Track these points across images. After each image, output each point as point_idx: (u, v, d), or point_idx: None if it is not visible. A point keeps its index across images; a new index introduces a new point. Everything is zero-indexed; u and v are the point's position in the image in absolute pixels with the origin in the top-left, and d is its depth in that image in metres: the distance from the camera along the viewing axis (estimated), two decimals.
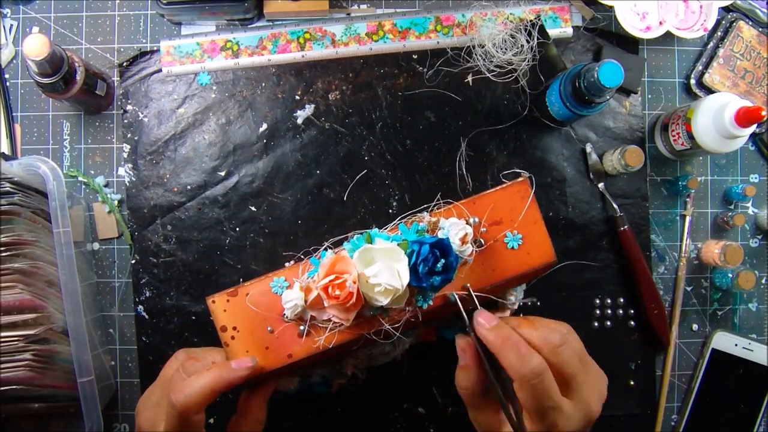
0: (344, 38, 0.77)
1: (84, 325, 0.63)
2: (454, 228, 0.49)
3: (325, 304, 0.48)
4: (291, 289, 0.49)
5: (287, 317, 0.49)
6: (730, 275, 0.75)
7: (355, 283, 0.47)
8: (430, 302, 0.49)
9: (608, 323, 0.76)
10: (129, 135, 0.76)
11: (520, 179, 0.53)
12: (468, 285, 0.50)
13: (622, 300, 0.77)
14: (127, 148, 0.76)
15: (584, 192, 0.77)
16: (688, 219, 0.78)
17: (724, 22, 0.78)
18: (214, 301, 0.50)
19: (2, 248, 0.61)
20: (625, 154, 0.72)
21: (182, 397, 0.45)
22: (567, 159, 0.77)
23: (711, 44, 0.79)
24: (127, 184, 0.75)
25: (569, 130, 0.78)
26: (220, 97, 0.76)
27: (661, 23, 0.76)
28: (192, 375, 0.48)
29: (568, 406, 0.46)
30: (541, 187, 0.77)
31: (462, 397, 0.50)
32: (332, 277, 0.47)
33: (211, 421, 0.74)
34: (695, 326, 0.78)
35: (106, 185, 0.75)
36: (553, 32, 0.77)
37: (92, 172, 0.76)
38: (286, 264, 0.53)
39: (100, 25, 0.76)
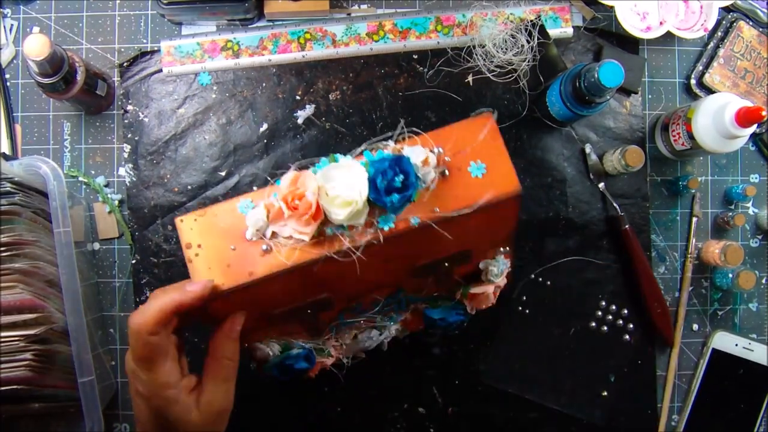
0: (345, 38, 0.77)
1: (84, 325, 0.63)
2: (416, 152, 0.50)
3: (285, 216, 0.48)
4: (256, 208, 0.50)
5: (251, 236, 0.50)
6: (731, 275, 0.75)
7: (314, 194, 0.48)
8: (392, 225, 0.49)
9: (608, 323, 0.76)
10: (129, 135, 0.76)
11: (484, 112, 0.54)
12: (437, 208, 0.50)
13: (622, 300, 0.77)
14: (127, 148, 0.76)
15: (584, 192, 0.77)
16: (695, 220, 0.78)
17: (724, 22, 0.78)
18: (182, 221, 0.51)
19: (3, 248, 0.61)
20: (626, 154, 0.72)
21: (136, 317, 0.48)
22: (567, 159, 0.77)
23: (711, 44, 0.79)
24: (128, 184, 0.75)
25: (570, 130, 0.78)
26: (220, 97, 0.76)
27: (661, 23, 0.76)
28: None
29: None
30: (541, 187, 0.77)
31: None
32: (293, 188, 0.48)
33: None
34: (695, 326, 0.78)
35: (107, 185, 0.75)
36: (553, 32, 0.77)
37: (93, 172, 0.76)
38: (254, 188, 0.53)
39: (100, 25, 0.76)
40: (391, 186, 0.48)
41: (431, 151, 0.51)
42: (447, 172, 0.51)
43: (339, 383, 0.75)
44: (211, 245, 0.50)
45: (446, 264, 0.59)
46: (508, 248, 0.64)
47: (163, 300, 0.48)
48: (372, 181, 0.48)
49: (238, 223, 0.50)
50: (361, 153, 0.50)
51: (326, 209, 0.49)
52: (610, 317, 0.76)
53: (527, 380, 0.75)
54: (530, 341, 0.76)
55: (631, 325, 0.76)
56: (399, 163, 0.48)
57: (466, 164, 0.51)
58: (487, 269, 0.63)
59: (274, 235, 0.50)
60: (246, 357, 0.63)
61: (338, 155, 0.50)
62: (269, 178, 0.53)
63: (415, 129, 0.52)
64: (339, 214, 0.48)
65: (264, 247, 0.50)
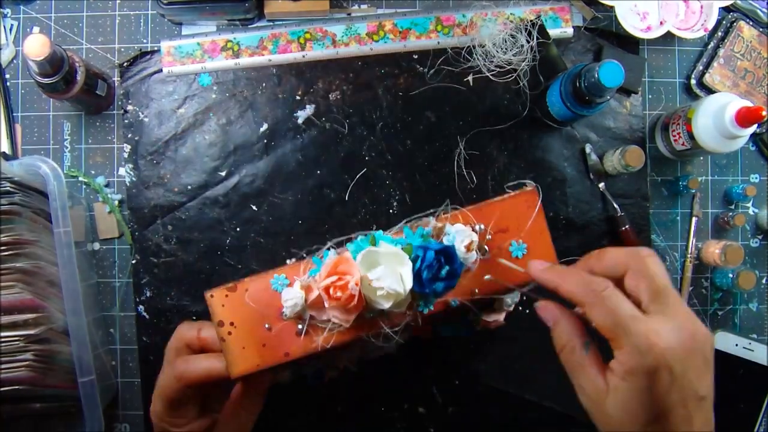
0: (345, 38, 0.77)
1: (85, 325, 0.63)
2: (460, 235, 0.49)
3: (326, 305, 0.47)
4: (291, 287, 0.49)
5: (286, 315, 0.49)
6: (731, 275, 0.75)
7: (357, 285, 0.46)
8: (431, 308, 0.49)
9: None
10: (129, 135, 0.76)
11: (528, 188, 0.53)
12: (476, 290, 0.49)
13: None
14: (127, 148, 0.76)
15: (584, 192, 0.77)
16: (694, 220, 0.78)
17: (724, 22, 0.78)
18: (212, 296, 0.50)
19: (3, 248, 0.61)
20: (626, 154, 0.72)
21: (183, 366, 0.50)
22: (567, 159, 0.77)
23: (711, 44, 0.79)
24: (128, 184, 0.75)
25: (570, 130, 0.78)
26: (220, 98, 0.76)
27: (661, 23, 0.76)
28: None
29: (655, 321, 0.40)
30: (542, 187, 0.77)
31: (565, 364, 0.46)
32: (335, 278, 0.46)
33: None
34: None
35: (107, 185, 0.75)
36: (553, 32, 0.77)
37: (93, 172, 0.76)
38: (288, 261, 0.53)
39: (100, 25, 0.76)
40: (436, 276, 0.47)
41: (473, 229, 0.50)
42: (488, 251, 0.50)
43: (339, 384, 0.75)
44: (245, 324, 0.49)
45: (471, 315, 0.58)
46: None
47: (212, 368, 0.50)
48: (417, 273, 0.47)
49: (272, 300, 0.49)
50: (401, 230, 0.49)
51: (369, 298, 0.47)
52: None
53: (527, 380, 0.75)
54: (530, 341, 0.76)
55: None
56: (444, 252, 0.47)
57: (507, 244, 0.50)
58: (502, 299, 0.62)
59: (311, 317, 0.49)
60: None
61: (378, 234, 0.49)
62: (305, 255, 0.51)
63: (456, 206, 0.51)
64: (383, 304, 0.47)
65: (300, 326, 0.49)
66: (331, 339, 0.48)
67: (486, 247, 0.50)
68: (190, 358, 0.51)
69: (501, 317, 0.64)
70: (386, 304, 0.47)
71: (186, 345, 0.53)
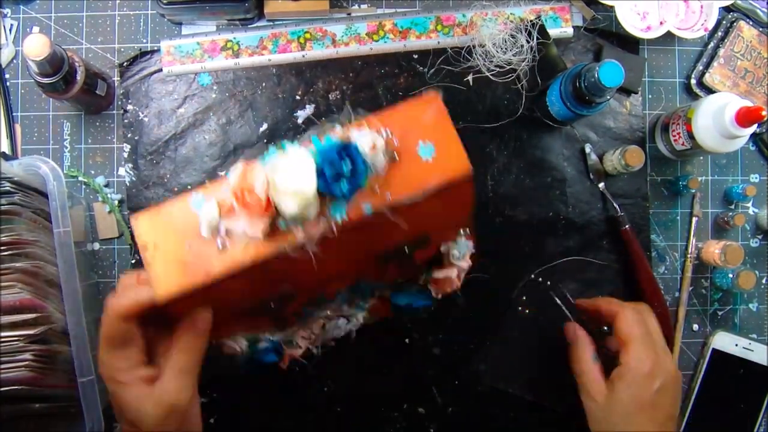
0: (345, 38, 0.77)
1: (84, 325, 0.63)
2: (364, 137, 0.49)
3: (237, 210, 0.47)
4: (208, 204, 0.49)
5: (204, 233, 0.49)
6: (731, 275, 0.75)
7: (263, 187, 0.47)
8: (344, 214, 0.48)
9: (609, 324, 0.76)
10: (129, 135, 0.76)
11: (431, 92, 0.53)
12: (389, 195, 0.49)
13: (622, 300, 0.76)
14: (127, 148, 0.76)
15: (584, 192, 0.77)
16: (695, 220, 0.78)
17: (724, 22, 0.78)
18: (137, 218, 0.50)
19: (3, 248, 0.61)
20: (626, 154, 0.72)
21: (115, 302, 0.49)
22: (567, 159, 0.77)
23: (711, 44, 0.79)
24: (128, 184, 0.75)
25: (570, 130, 0.78)
26: (220, 97, 0.76)
27: (661, 23, 0.76)
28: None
29: (644, 347, 0.61)
30: (541, 187, 0.77)
31: (576, 370, 0.64)
32: (242, 182, 0.47)
33: (212, 421, 0.74)
34: (695, 326, 0.78)
35: (107, 185, 0.75)
36: (553, 32, 0.77)
37: (92, 172, 0.76)
38: (206, 182, 0.52)
39: (100, 25, 0.76)
40: (339, 174, 0.47)
41: (379, 134, 0.50)
42: (397, 156, 0.50)
43: (339, 384, 0.75)
44: (167, 244, 0.49)
45: (406, 249, 0.58)
46: (468, 230, 0.63)
47: (140, 294, 0.48)
48: (320, 171, 0.47)
49: (193, 219, 0.49)
50: (309, 139, 0.49)
51: (276, 202, 0.47)
52: None
53: (528, 381, 0.75)
54: (530, 342, 0.76)
55: None
56: (346, 150, 0.47)
57: (415, 146, 0.50)
58: (449, 252, 0.62)
59: (228, 231, 0.49)
60: (215, 352, 0.62)
61: (285, 142, 0.49)
62: (220, 172, 0.51)
63: (361, 109, 0.51)
64: (289, 206, 0.47)
65: (219, 243, 0.49)
66: (249, 252, 0.48)
67: (395, 153, 0.50)
68: (119, 292, 0.50)
69: (452, 274, 0.64)
70: (293, 206, 0.46)
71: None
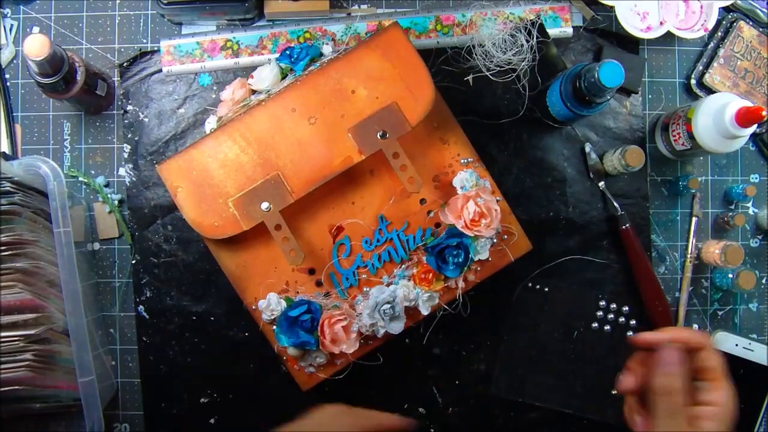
0: (344, 38, 0.77)
1: (85, 325, 0.63)
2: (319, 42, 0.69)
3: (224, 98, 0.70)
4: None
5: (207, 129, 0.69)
6: (731, 275, 0.75)
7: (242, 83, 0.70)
8: (299, 73, 0.66)
9: (610, 323, 0.76)
10: (129, 135, 0.76)
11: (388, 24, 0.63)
12: (333, 58, 0.63)
13: (623, 299, 0.76)
14: (127, 148, 0.76)
15: (584, 192, 0.77)
16: (695, 220, 0.78)
17: (724, 22, 0.78)
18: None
19: (3, 248, 0.61)
20: (626, 154, 0.72)
21: None
22: (567, 159, 0.77)
23: (711, 44, 0.79)
24: (128, 184, 0.75)
25: (570, 130, 0.78)
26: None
27: (661, 23, 0.76)
28: None
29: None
30: (541, 187, 0.77)
31: (661, 403, 0.51)
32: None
33: (212, 421, 0.74)
34: (695, 326, 0.78)
35: (107, 185, 0.75)
36: (553, 32, 0.77)
37: (93, 172, 0.76)
38: None
39: (100, 25, 0.76)
40: (298, 60, 0.68)
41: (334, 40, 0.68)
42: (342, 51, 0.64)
43: (339, 384, 0.75)
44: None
45: (382, 131, 0.63)
46: (470, 159, 0.68)
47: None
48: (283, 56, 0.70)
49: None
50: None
51: (250, 84, 0.67)
52: (612, 316, 0.76)
53: (537, 388, 0.75)
54: (535, 348, 0.76)
55: (634, 321, 0.76)
56: (297, 50, 0.69)
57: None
58: (460, 182, 0.66)
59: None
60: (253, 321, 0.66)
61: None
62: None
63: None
64: (258, 83, 0.67)
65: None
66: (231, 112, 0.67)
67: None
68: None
69: (461, 199, 0.66)
70: (261, 80, 0.68)
71: None
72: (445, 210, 0.66)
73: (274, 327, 0.65)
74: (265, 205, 0.62)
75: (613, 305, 0.76)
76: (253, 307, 0.66)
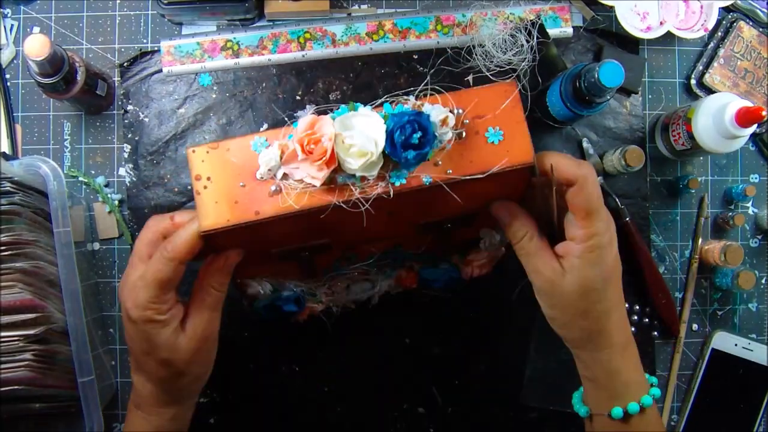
0: (344, 38, 0.77)
1: (84, 325, 0.63)
2: (436, 111, 0.50)
3: (299, 157, 0.48)
4: (270, 148, 0.51)
5: (261, 175, 0.50)
6: (731, 275, 0.75)
7: (330, 140, 0.48)
8: (404, 181, 0.50)
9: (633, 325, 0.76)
10: (130, 135, 0.76)
11: (508, 80, 0.54)
12: (450, 170, 0.50)
13: (633, 299, 0.76)
14: (127, 148, 0.76)
15: None
16: (702, 221, 0.78)
17: (724, 22, 0.78)
18: (194, 151, 0.51)
19: (3, 248, 0.61)
20: (626, 155, 0.72)
21: (171, 245, 0.51)
22: None
23: (711, 44, 0.79)
24: (128, 184, 0.75)
25: (570, 130, 0.78)
26: (220, 97, 0.76)
27: (661, 23, 0.76)
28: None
29: (605, 214, 0.52)
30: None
31: (522, 253, 0.54)
32: (310, 131, 0.49)
33: (212, 421, 0.74)
34: (695, 326, 0.78)
35: (107, 185, 0.75)
36: (553, 32, 0.77)
37: (93, 172, 0.76)
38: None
39: (100, 25, 0.76)
40: (408, 142, 0.48)
41: (451, 111, 0.51)
42: (464, 134, 0.51)
43: (339, 383, 0.75)
44: (221, 180, 0.50)
45: (448, 225, 0.59)
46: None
47: (190, 233, 0.50)
48: (389, 135, 0.48)
49: (250, 160, 0.50)
50: (381, 104, 0.51)
51: (340, 157, 0.48)
52: (636, 318, 0.76)
53: (567, 395, 0.74)
54: (563, 352, 0.75)
55: (635, 318, 0.76)
56: (419, 119, 0.48)
57: (484, 129, 0.52)
58: (489, 238, 0.64)
59: (285, 176, 0.50)
60: (237, 293, 0.64)
61: (359, 104, 0.51)
62: (286, 119, 0.53)
63: (437, 87, 0.52)
64: (353, 163, 0.48)
65: (273, 188, 0.50)
66: (303, 200, 0.49)
67: (463, 131, 0.51)
68: (173, 235, 0.51)
69: (484, 259, 0.65)
70: (357, 164, 0.48)
71: (161, 234, 0.53)
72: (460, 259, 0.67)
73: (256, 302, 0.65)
74: (303, 255, 0.60)
75: (626, 305, 0.76)
76: (238, 280, 0.63)
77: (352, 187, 0.49)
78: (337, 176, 0.49)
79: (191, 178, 0.50)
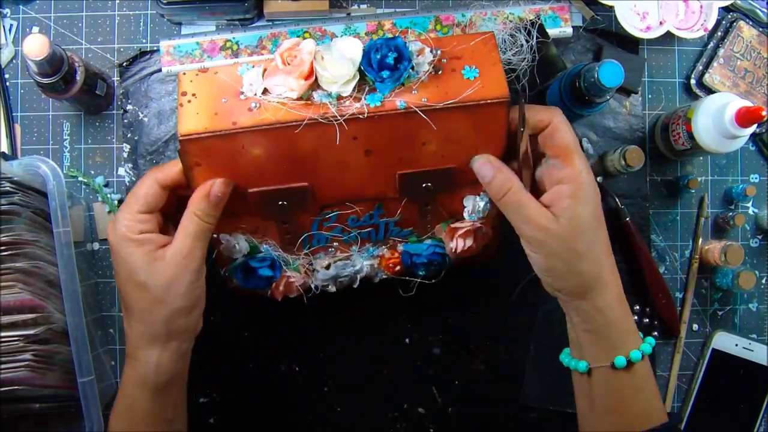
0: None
1: (84, 325, 0.63)
2: (414, 44, 0.54)
3: (279, 67, 0.52)
4: (255, 68, 0.54)
5: (244, 93, 0.53)
6: (731, 275, 0.75)
7: (310, 54, 0.52)
8: (378, 102, 0.52)
9: None
10: (129, 135, 0.76)
11: (487, 33, 0.57)
12: (425, 98, 0.52)
13: (634, 300, 0.76)
14: (127, 148, 0.76)
15: None
16: (702, 220, 0.78)
17: (724, 22, 0.78)
18: (184, 73, 0.54)
19: (2, 248, 0.61)
20: (626, 154, 0.72)
21: (160, 170, 0.55)
22: None
23: (711, 44, 0.79)
24: (128, 184, 0.75)
25: None
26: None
27: (661, 23, 0.76)
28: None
29: (581, 151, 0.55)
30: None
31: (507, 206, 0.54)
32: (291, 44, 0.53)
33: (212, 421, 0.74)
34: (695, 326, 0.78)
35: (106, 185, 0.75)
36: (552, 32, 0.77)
37: (92, 172, 0.76)
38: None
39: (100, 25, 0.76)
40: (383, 62, 0.51)
41: (431, 51, 0.54)
42: (441, 71, 0.54)
43: (339, 383, 0.75)
44: (205, 95, 0.53)
45: (429, 184, 0.59)
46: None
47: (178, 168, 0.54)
48: (366, 53, 0.52)
49: (235, 83, 0.54)
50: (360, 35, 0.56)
51: (318, 73, 0.52)
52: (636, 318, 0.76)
53: (567, 394, 0.74)
54: (542, 348, 0.75)
55: (635, 318, 0.76)
56: (394, 42, 0.52)
57: (460, 67, 0.54)
58: (470, 205, 0.63)
59: (265, 91, 0.53)
60: (213, 254, 0.63)
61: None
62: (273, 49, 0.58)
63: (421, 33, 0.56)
64: (330, 77, 0.51)
65: (253, 104, 0.52)
66: (279, 114, 0.52)
67: (440, 69, 0.54)
68: (166, 165, 0.55)
69: (468, 225, 0.64)
70: (333, 77, 0.51)
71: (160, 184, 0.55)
72: (443, 229, 0.65)
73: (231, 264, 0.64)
74: (281, 204, 0.59)
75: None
76: (215, 235, 0.62)
77: (329, 104, 0.52)
78: (314, 94, 0.52)
79: (177, 95, 0.53)
